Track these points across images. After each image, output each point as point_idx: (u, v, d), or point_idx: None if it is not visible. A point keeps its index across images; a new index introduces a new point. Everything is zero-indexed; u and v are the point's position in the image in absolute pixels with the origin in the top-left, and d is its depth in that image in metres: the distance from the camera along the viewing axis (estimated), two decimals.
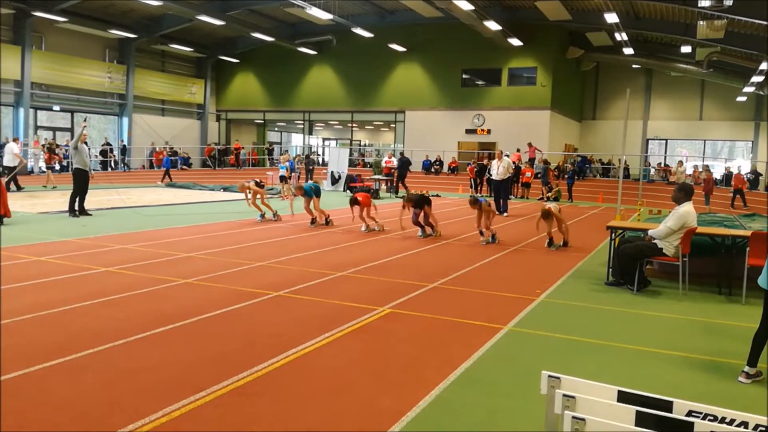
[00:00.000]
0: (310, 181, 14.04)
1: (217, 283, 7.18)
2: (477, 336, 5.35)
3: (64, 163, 26.24)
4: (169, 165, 27.57)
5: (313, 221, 13.17)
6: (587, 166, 31.26)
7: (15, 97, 27.31)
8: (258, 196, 13.81)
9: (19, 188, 19.36)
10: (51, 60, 28.49)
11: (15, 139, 21.33)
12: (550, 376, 2.59)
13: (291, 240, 11.00)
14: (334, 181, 25.79)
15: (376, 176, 25.12)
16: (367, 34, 29.99)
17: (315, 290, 6.97)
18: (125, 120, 32.70)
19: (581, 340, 5.41)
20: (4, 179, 12.59)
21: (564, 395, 2.41)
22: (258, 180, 14.23)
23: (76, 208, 13.36)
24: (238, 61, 37.31)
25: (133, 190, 22.10)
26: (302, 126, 41.43)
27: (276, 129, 45.52)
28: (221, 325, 5.53)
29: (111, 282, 7.08)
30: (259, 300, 6.45)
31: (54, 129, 30.47)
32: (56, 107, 29.66)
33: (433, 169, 31.23)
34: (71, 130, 30.99)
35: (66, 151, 26.64)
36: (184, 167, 33.18)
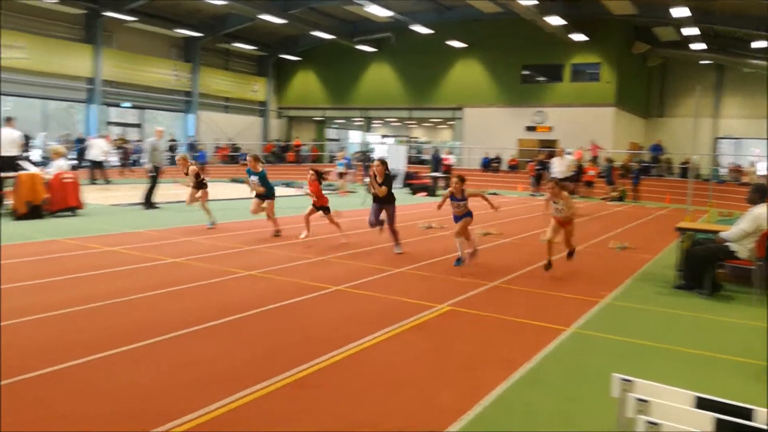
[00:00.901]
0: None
1: (279, 275, 7.30)
2: (539, 337, 5.24)
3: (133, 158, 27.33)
4: (204, 160, 28.31)
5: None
6: (658, 154, 30.03)
7: (87, 94, 28.55)
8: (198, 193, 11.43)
9: (107, 181, 20.48)
10: (121, 58, 29.62)
11: (105, 136, 22.39)
12: (622, 379, 2.50)
13: (350, 235, 11.06)
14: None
15: (434, 173, 25.03)
16: (425, 31, 29.86)
17: (374, 286, 6.99)
18: (190, 117, 33.73)
19: (649, 344, 5.22)
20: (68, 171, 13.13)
21: (637, 399, 2.32)
22: (202, 177, 11.64)
23: (147, 200, 13.90)
24: (298, 59, 37.85)
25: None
26: (360, 123, 41.68)
27: (335, 126, 45.97)
28: (283, 318, 5.62)
29: (177, 273, 7.30)
30: (319, 294, 6.51)
31: (124, 125, 31.71)
32: (126, 104, 30.83)
33: (492, 167, 30.84)
34: (140, 126, 32.23)
35: (136, 146, 27.77)
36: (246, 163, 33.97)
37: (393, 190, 9.31)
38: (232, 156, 33.61)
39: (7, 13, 25.09)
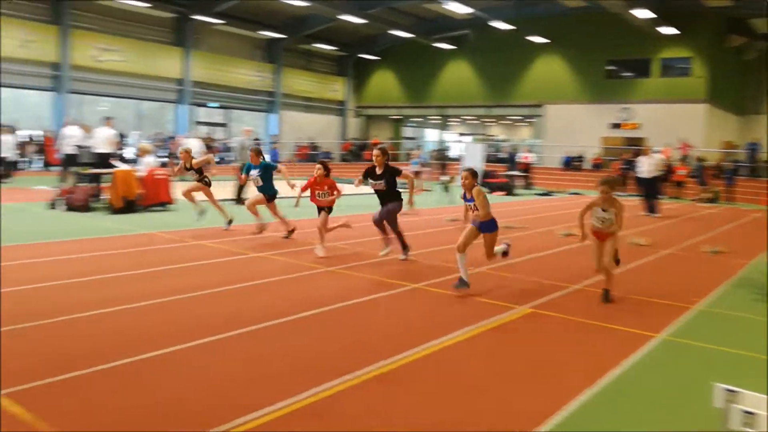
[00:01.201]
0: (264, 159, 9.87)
1: (356, 272, 7.37)
2: (627, 342, 5.02)
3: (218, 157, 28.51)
4: (276, 158, 28.93)
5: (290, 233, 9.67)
6: (755, 153, 28.21)
7: (177, 94, 29.90)
8: (201, 192, 10.69)
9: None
10: (208, 60, 30.87)
11: (199, 137, 23.57)
12: (726, 389, 2.35)
13: (429, 234, 11.03)
14: None
15: (511, 172, 24.58)
16: (505, 27, 29.39)
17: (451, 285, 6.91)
18: (273, 116, 34.71)
19: (746, 354, 4.90)
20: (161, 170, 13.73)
21: (744, 411, 2.18)
22: (205, 175, 10.72)
23: (238, 197, 14.47)
24: (377, 58, 38.17)
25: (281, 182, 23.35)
26: (437, 121, 41.55)
27: (412, 125, 46.07)
28: (361, 313, 5.66)
29: (261, 267, 7.51)
30: (396, 291, 6.52)
31: (211, 124, 33.02)
32: (213, 104, 32.08)
33: (573, 166, 29.97)
34: (225, 125, 33.49)
35: (222, 144, 28.98)
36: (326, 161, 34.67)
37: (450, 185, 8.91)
38: (310, 155, 34.37)
39: (104, 18, 26.72)
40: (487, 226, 6.53)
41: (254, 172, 9.64)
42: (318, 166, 8.53)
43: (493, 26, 29.38)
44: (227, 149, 29.04)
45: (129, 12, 27.04)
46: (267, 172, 9.65)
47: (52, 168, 20.76)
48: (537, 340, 5.08)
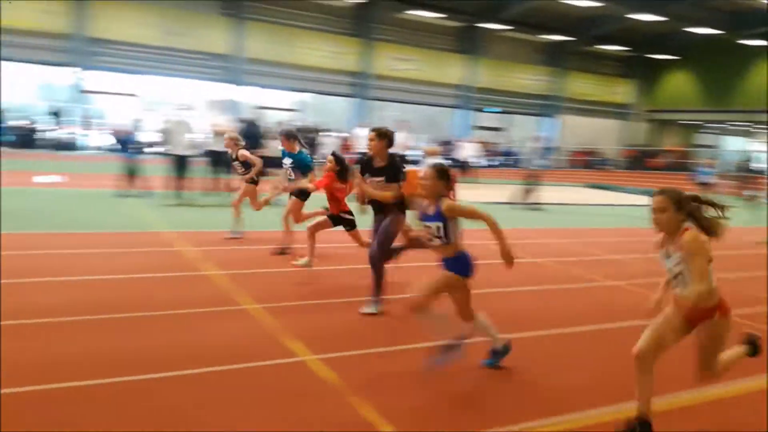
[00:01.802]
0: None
1: (641, 288, 6.84)
2: None
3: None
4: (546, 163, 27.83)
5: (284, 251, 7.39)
6: None
7: (458, 100, 31.24)
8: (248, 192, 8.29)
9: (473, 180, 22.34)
10: (491, 66, 31.70)
11: (478, 141, 24.72)
12: None
13: (732, 257, 9.74)
14: None
15: None
16: None
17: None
18: (551, 120, 34.15)
19: None
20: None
21: None
22: (250, 172, 8.15)
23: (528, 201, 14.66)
24: (669, 57, 34.95)
25: (557, 188, 22.90)
26: (743, 128, 36.50)
27: (711, 131, 41.10)
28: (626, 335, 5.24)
29: (535, 272, 7.45)
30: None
31: (489, 128, 33.83)
32: (496, 109, 32.78)
33: None
34: (500, 129, 34.00)
35: (505, 149, 29.61)
36: (603, 168, 32.93)
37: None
38: (587, 161, 33.04)
39: (401, 29, 29.22)
40: (458, 262, 3.97)
41: (287, 161, 7.39)
42: (329, 158, 6.33)
43: None
44: (507, 153, 29.48)
45: (422, 23, 29.08)
46: (303, 167, 7.32)
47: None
48: None
